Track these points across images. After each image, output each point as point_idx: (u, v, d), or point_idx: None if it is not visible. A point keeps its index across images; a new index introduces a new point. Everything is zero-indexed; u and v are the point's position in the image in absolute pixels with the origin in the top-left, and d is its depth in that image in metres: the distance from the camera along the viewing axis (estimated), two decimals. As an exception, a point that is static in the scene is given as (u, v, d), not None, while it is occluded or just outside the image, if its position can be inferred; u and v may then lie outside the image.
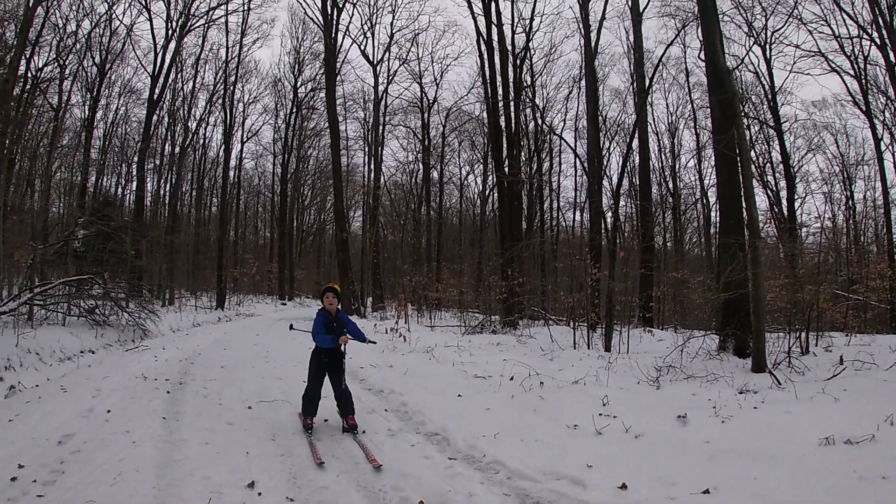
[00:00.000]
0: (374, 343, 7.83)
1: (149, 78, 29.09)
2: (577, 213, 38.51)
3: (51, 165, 21.45)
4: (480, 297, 23.55)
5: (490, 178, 35.97)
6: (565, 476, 5.25)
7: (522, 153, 30.72)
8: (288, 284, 44.09)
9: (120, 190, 34.73)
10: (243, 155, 41.64)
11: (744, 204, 10.95)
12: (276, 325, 22.62)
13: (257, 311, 30.89)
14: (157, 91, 28.58)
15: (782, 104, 30.57)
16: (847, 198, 32.55)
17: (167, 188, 35.01)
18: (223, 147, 33.72)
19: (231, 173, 36.97)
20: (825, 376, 8.51)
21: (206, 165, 38.56)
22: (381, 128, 34.23)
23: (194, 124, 34.26)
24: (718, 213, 14.91)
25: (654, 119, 34.08)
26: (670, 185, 35.30)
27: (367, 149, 36.99)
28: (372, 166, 34.27)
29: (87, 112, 28.99)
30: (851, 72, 28.03)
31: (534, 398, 7.96)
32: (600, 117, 27.38)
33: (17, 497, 4.41)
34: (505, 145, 23.53)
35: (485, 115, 29.20)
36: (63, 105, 26.72)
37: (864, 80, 27.56)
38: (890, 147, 28.66)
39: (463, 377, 9.61)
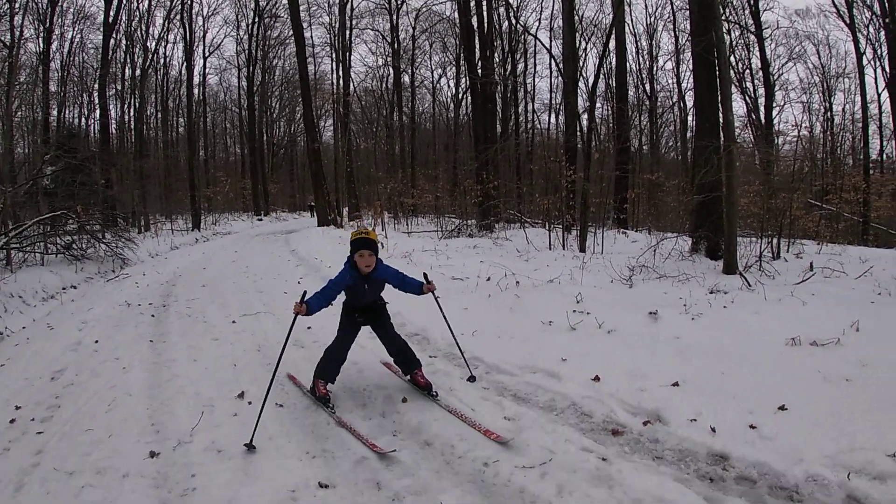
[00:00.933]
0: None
1: (102, 1, 27.55)
2: (553, 116, 38.17)
3: (10, 105, 20.52)
4: (456, 201, 23.51)
5: (463, 80, 35.22)
6: (541, 369, 5.49)
7: (496, 54, 30.02)
8: (262, 200, 43.44)
9: (84, 121, 33.28)
10: (207, 71, 40.38)
11: (720, 108, 10.91)
12: (254, 240, 22.59)
13: (234, 229, 30.70)
14: (111, 13, 27.20)
15: (764, 10, 30.23)
16: (826, 109, 32.43)
17: (131, 113, 33.71)
18: (185, 65, 32.59)
19: (196, 91, 35.71)
20: (794, 281, 8.71)
21: (170, 86, 36.92)
22: (348, 32, 32.90)
23: (153, 44, 32.58)
24: (695, 117, 14.87)
25: (632, 20, 33.27)
26: (647, 88, 34.95)
27: (334, 55, 35.67)
28: (340, 73, 33.24)
29: (41, 45, 27.37)
30: None
31: (510, 297, 8.15)
32: (576, 17, 26.63)
33: (17, 437, 4.45)
34: (478, 46, 23.02)
35: (456, 15, 28.21)
36: (16, 41, 25.19)
37: None
38: (872, 62, 28.37)
39: (441, 280, 9.64)
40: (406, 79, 38.68)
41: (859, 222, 22.61)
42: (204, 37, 37.45)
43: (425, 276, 5.45)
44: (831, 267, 9.58)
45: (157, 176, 32.51)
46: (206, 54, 38.47)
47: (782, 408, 4.37)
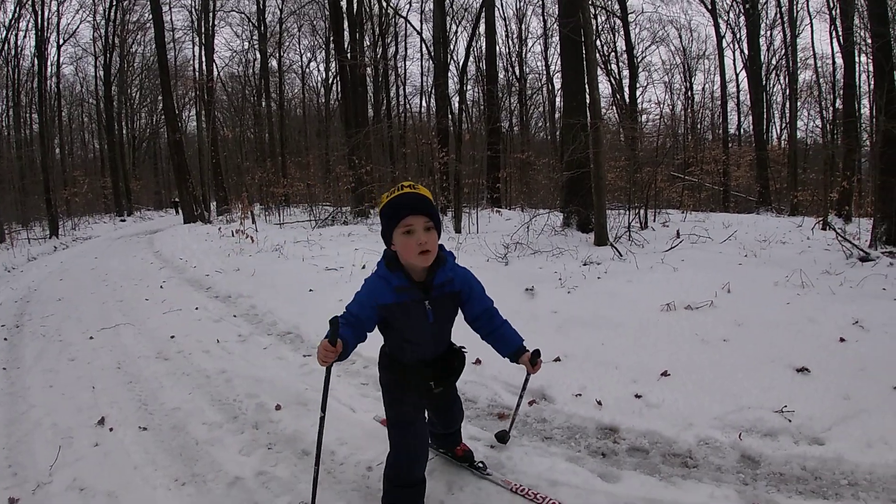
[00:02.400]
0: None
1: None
2: (425, 99, 38.08)
3: None
4: (330, 188, 22.97)
5: (333, 64, 34.27)
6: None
7: (366, 37, 29.54)
8: (125, 199, 40.49)
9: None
10: (61, 61, 36.92)
11: (587, 88, 11.13)
12: (115, 244, 20.96)
13: (95, 233, 28.44)
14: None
15: None
16: (686, 88, 34.69)
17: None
18: (36, 54, 29.66)
19: (49, 83, 32.76)
20: (664, 248, 8.97)
21: (22, 78, 33.82)
22: (211, 15, 31.29)
23: (3, 33, 29.81)
24: (562, 97, 15.17)
25: (502, 4, 33.93)
26: (517, 71, 35.59)
27: (197, 39, 33.78)
28: (203, 58, 31.58)
29: None
30: None
31: (385, 285, 7.82)
32: (447, 0, 26.64)
33: None
34: (347, 29, 22.45)
35: (325, -4, 27.48)
36: None
37: None
38: (731, 45, 30.73)
39: (314, 271, 9.32)
40: (274, 63, 37.24)
41: (720, 191, 24.11)
42: (58, 23, 34.34)
43: (537, 352, 2.97)
44: (697, 233, 9.95)
45: (11, 179, 29.69)
46: (60, 42, 35.28)
47: (665, 374, 4.33)
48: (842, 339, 4.67)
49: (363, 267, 8.98)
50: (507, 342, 2.93)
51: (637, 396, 4.06)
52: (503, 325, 2.93)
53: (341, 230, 15.32)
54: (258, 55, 35.61)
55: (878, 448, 3.30)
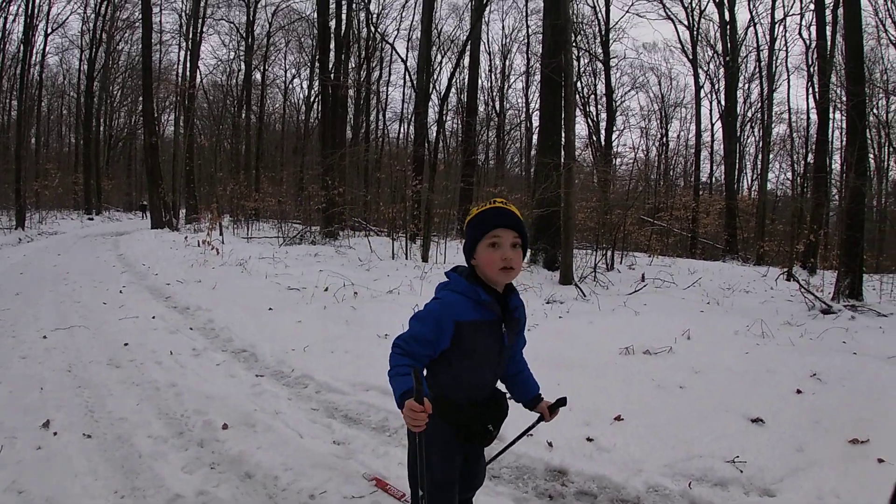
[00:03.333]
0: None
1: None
2: (404, 125, 38.25)
3: None
4: (301, 206, 22.81)
5: (316, 83, 34.33)
6: (374, 387, 5.04)
7: (352, 59, 29.63)
8: (95, 197, 39.66)
9: None
10: (47, 50, 36.25)
11: (563, 127, 11.25)
12: (81, 242, 20.59)
13: (62, 229, 27.86)
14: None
15: (614, 41, 32.32)
16: (662, 135, 35.45)
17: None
18: (23, 40, 29.10)
19: (32, 71, 32.15)
20: (628, 291, 9.01)
21: (6, 62, 33.19)
22: (200, 21, 31.10)
23: None
24: (538, 135, 15.34)
25: (488, 38, 34.35)
26: (497, 105, 35.98)
27: (184, 43, 33.46)
28: (188, 63, 31.29)
29: None
30: (685, 22, 30.44)
31: (346, 309, 7.75)
32: (435, 30, 26.93)
33: None
34: (333, 49, 22.50)
35: (315, 15, 27.53)
36: None
37: (695, 32, 30.17)
38: (708, 95, 31.74)
39: (276, 290, 9.21)
40: (258, 76, 37.22)
41: (688, 237, 24.46)
42: (48, 12, 33.81)
43: (563, 400, 2.62)
44: (662, 278, 10.00)
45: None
46: (49, 31, 34.63)
47: (619, 418, 4.26)
48: (798, 391, 4.67)
49: (326, 289, 8.86)
50: (528, 388, 2.67)
51: (589, 440, 3.98)
52: (527, 370, 2.72)
53: (308, 250, 15.17)
54: (243, 66, 35.63)
55: (830, 501, 3.27)
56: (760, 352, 5.71)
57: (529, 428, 2.81)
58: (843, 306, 8.70)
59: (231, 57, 38.31)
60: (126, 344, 6.34)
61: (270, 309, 7.96)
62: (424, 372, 2.23)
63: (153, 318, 7.64)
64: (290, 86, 42.88)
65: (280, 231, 19.34)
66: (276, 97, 43.07)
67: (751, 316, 7.24)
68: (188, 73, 30.63)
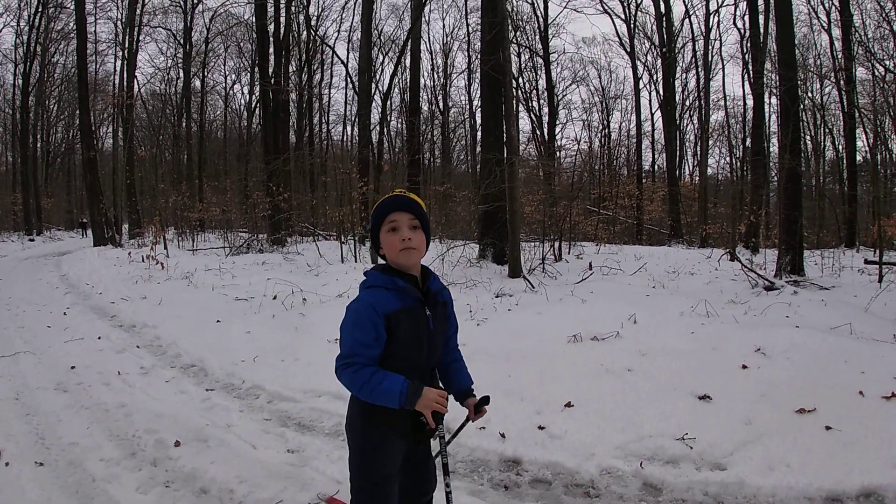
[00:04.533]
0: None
1: None
2: (347, 127, 38.03)
3: None
4: (246, 215, 22.46)
5: (257, 88, 33.80)
6: (326, 392, 5.01)
7: (292, 63, 29.29)
8: (35, 216, 37.97)
9: None
10: None
11: (504, 123, 11.31)
12: (21, 265, 19.82)
13: (1, 252, 26.97)
14: None
15: (553, 36, 32.78)
16: (604, 126, 36.03)
17: None
18: None
19: None
20: (575, 280, 9.11)
21: None
22: (137, 29, 30.20)
23: None
24: (481, 131, 15.44)
25: (429, 37, 34.38)
26: (440, 104, 36.02)
27: (120, 53, 32.34)
28: (125, 73, 30.39)
29: None
30: (622, 15, 31.35)
31: (295, 316, 7.68)
32: (375, 31, 26.85)
33: None
34: (273, 53, 22.21)
35: (254, 19, 27.06)
36: None
37: (632, 25, 30.93)
38: (647, 86, 32.65)
39: (223, 301, 9.07)
40: (197, 83, 36.37)
41: (634, 224, 24.93)
42: None
43: (486, 399, 2.45)
44: (609, 265, 10.15)
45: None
46: None
47: (569, 405, 4.30)
48: (744, 367, 4.77)
49: (274, 298, 8.76)
50: (460, 380, 2.55)
51: (540, 428, 4.01)
52: (460, 361, 2.61)
53: (255, 258, 14.97)
54: (182, 74, 34.79)
55: (780, 471, 3.36)
56: (705, 331, 5.81)
57: (459, 429, 2.69)
58: (786, 282, 8.95)
59: (169, 65, 37.37)
60: (73, 367, 6.15)
61: (218, 321, 7.83)
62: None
63: (99, 338, 7.42)
64: (231, 92, 42.20)
65: (226, 241, 19.03)
66: (216, 104, 42.31)
67: (696, 297, 7.38)
68: (125, 84, 29.78)
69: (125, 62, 29.81)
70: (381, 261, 2.39)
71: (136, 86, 31.67)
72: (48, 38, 35.92)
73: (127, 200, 29.17)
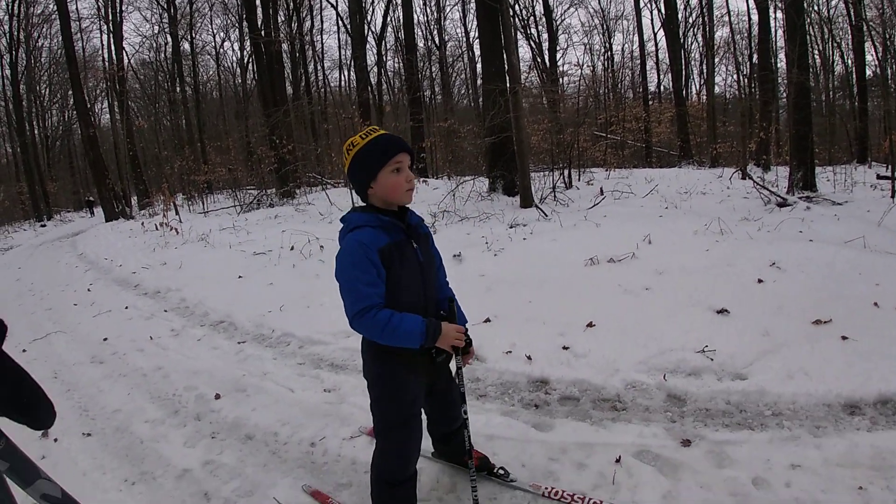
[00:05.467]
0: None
1: None
2: (344, 72, 37.49)
3: None
4: (252, 171, 22.40)
5: (248, 43, 33.21)
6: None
7: (280, 12, 28.75)
8: (42, 202, 37.96)
9: None
10: None
11: (504, 52, 11.12)
12: (38, 251, 19.98)
13: (16, 242, 26.89)
14: None
15: None
16: (606, 49, 35.21)
17: None
18: None
19: None
20: (588, 206, 9.12)
21: None
22: (118, 0, 29.65)
23: None
24: (481, 63, 15.21)
25: (419, -29, 33.41)
26: (436, 39, 35.33)
27: (104, 27, 31.84)
28: (113, 46, 30.02)
29: None
30: None
31: (314, 263, 7.78)
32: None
33: None
34: (259, 5, 21.82)
35: (236, -29, 26.48)
36: None
37: None
38: (648, 4, 31.94)
39: (242, 257, 9.14)
40: (186, 46, 35.75)
41: (643, 147, 24.74)
42: None
43: (469, 341, 2.61)
44: (620, 189, 10.14)
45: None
46: None
47: (590, 325, 4.39)
48: (760, 281, 4.81)
49: (292, 248, 8.83)
50: (457, 318, 2.57)
51: (565, 348, 4.11)
52: (455, 300, 2.61)
53: (267, 213, 15.00)
54: (169, 39, 34.25)
55: (799, 379, 3.45)
56: (720, 248, 5.84)
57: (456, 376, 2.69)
58: (799, 198, 8.94)
59: (156, 31, 36.77)
60: (105, 339, 6.29)
61: (240, 277, 7.96)
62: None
63: (126, 308, 7.56)
64: (222, 50, 41.46)
65: (236, 200, 19.07)
66: (208, 65, 41.55)
67: (709, 215, 7.38)
68: (114, 57, 29.44)
69: (111, 35, 29.31)
70: (359, 202, 2.44)
71: (125, 57, 31.20)
72: (30, 23, 35.24)
73: (132, 172, 29.10)
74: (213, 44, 40.69)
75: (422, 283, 2.40)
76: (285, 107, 18.69)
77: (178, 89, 35.35)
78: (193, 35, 36.10)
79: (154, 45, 37.25)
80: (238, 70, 39.15)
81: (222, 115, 41.60)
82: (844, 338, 3.81)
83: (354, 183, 2.38)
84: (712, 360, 3.74)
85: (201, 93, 38.03)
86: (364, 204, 2.41)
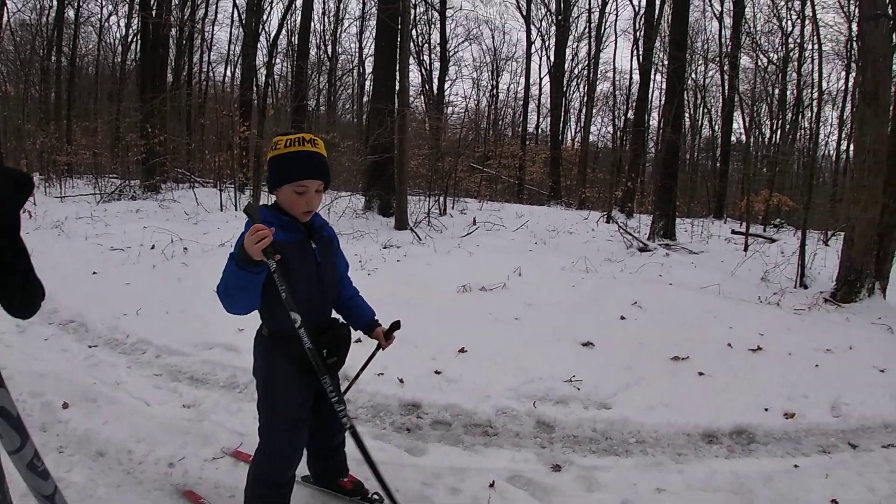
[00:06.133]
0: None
1: None
2: (230, 68, 36.29)
3: None
4: (118, 158, 21.14)
5: (135, 21, 31.44)
6: (218, 344, 4.90)
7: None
8: None
9: None
10: None
11: (398, 74, 11.24)
12: None
13: None
14: None
15: None
16: (493, 86, 36.25)
17: None
18: None
19: None
20: (461, 234, 9.35)
21: None
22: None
23: None
24: (373, 81, 15.25)
25: (323, -21, 33.08)
26: (329, 50, 35.07)
27: None
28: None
29: None
30: None
31: (177, 266, 7.39)
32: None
33: None
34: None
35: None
36: None
37: None
38: (539, 51, 33.13)
39: (98, 251, 8.50)
40: (71, 13, 33.37)
41: (516, 184, 25.66)
42: None
43: (397, 323, 2.71)
44: (492, 221, 10.47)
45: None
46: None
47: (462, 350, 4.47)
48: (622, 318, 5.11)
49: (152, 247, 8.36)
50: (362, 314, 2.71)
51: (437, 373, 4.16)
52: (358, 296, 2.76)
53: (129, 205, 14.18)
54: (55, 2, 31.80)
55: (660, 410, 3.69)
56: (586, 285, 6.16)
57: (370, 358, 2.82)
58: (659, 245, 9.56)
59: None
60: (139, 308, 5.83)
61: (95, 273, 7.40)
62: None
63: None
64: (107, 24, 38.91)
65: (96, 187, 17.91)
66: (90, 37, 38.95)
67: (575, 254, 7.75)
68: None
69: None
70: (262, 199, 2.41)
71: (5, 14, 28.66)
72: None
73: (-10, 143, 26.64)
74: (98, 15, 38.03)
75: (319, 281, 2.40)
76: (163, 94, 17.81)
77: (53, 58, 32.79)
78: (80, 3, 33.78)
79: (38, 6, 34.45)
80: (120, 48, 36.83)
81: (94, 94, 38.97)
82: (701, 374, 4.13)
83: (267, 178, 2.38)
84: (579, 389, 3.92)
85: (77, 66, 35.49)
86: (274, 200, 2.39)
